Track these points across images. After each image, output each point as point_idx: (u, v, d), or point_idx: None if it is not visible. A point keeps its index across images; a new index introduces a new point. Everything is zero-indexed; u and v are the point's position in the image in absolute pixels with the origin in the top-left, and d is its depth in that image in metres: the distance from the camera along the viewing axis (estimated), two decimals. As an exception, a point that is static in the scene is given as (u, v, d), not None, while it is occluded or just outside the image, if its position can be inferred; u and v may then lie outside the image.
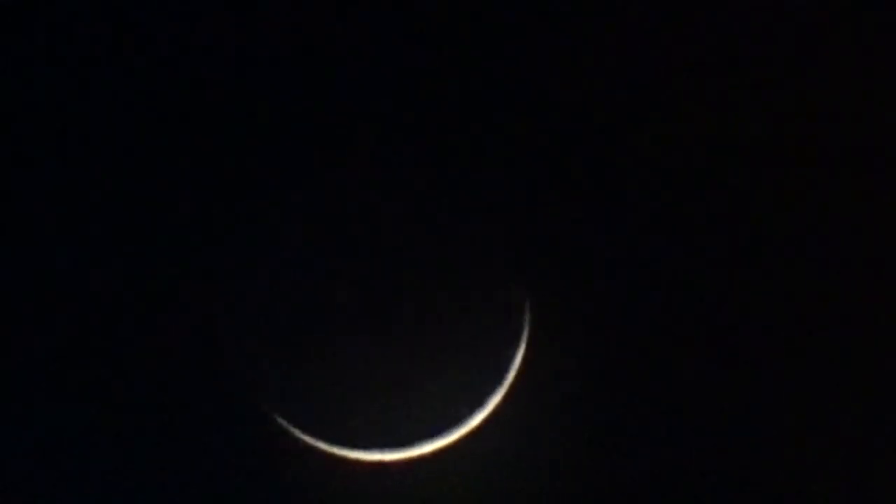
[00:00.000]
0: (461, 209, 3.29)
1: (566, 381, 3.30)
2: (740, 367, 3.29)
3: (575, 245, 3.28)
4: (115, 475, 3.24)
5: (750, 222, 3.27)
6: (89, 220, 3.22)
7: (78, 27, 3.10)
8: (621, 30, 3.19)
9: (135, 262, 3.23)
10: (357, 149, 3.26)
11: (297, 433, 3.29)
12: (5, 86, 3.12)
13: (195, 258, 3.26)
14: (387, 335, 3.26)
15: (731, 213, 3.27)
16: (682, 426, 3.30)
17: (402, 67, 3.19)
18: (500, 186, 3.27)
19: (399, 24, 3.17)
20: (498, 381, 3.29)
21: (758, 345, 3.29)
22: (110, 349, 3.22)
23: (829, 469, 3.29)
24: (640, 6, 3.18)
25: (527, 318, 3.30)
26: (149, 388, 3.24)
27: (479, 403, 3.29)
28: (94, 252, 3.22)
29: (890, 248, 3.25)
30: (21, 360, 3.21)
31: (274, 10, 3.15)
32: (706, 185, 3.26)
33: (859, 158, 3.26)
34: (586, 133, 3.23)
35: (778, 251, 3.28)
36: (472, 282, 3.29)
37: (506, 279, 3.30)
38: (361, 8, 3.15)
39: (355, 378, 3.27)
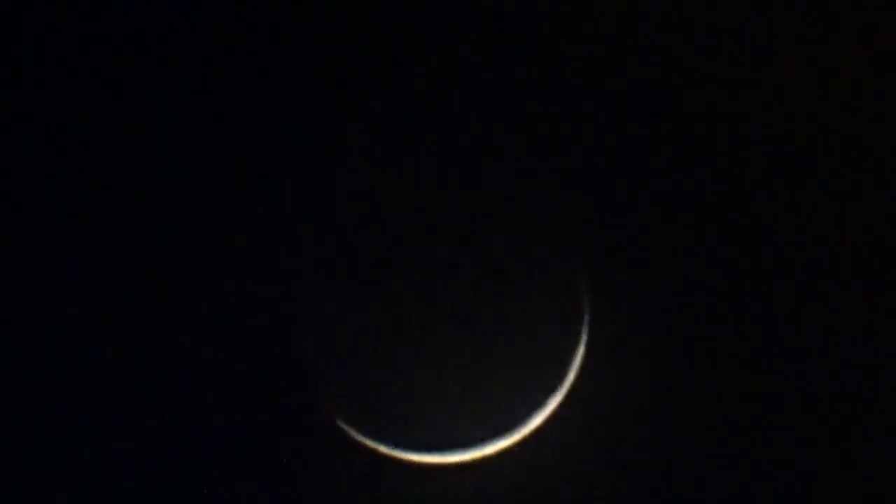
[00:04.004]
0: (521, 210, 3.30)
1: (627, 381, 3.27)
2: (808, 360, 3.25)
3: (636, 244, 3.28)
4: (174, 477, 3.24)
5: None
6: (153, 222, 3.27)
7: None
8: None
9: (193, 266, 3.27)
10: (413, 152, 3.30)
11: (358, 436, 3.28)
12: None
13: (260, 263, 3.29)
14: (444, 337, 3.26)
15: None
16: (753, 430, 3.25)
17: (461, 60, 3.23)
18: (560, 186, 3.29)
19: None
20: (558, 382, 3.27)
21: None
22: (164, 353, 3.25)
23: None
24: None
25: (586, 317, 3.29)
26: (210, 392, 3.25)
27: (539, 404, 3.27)
28: (159, 253, 3.26)
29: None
30: (93, 358, 3.25)
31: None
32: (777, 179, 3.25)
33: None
34: (652, 129, 3.25)
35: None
36: (531, 282, 3.29)
37: (565, 279, 3.30)
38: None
39: (414, 381, 3.27)
